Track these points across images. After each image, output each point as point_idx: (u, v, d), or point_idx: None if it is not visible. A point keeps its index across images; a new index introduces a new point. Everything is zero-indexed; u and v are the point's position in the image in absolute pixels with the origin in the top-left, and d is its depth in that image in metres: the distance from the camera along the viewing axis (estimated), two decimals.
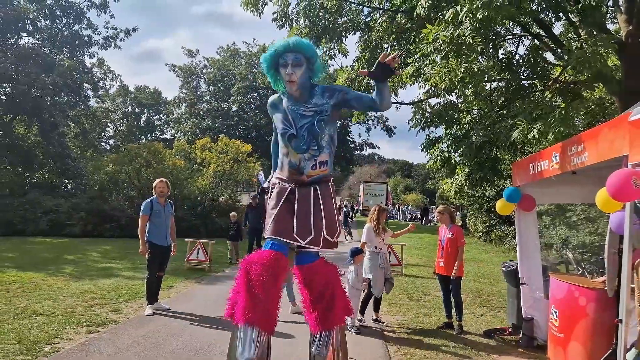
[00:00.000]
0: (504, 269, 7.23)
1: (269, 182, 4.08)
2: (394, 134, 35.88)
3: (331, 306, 3.69)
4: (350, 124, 35.86)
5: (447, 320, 6.85)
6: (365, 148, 43.15)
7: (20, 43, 24.84)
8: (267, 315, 3.48)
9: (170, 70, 39.25)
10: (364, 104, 3.85)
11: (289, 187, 3.82)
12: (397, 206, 47.49)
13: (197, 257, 11.93)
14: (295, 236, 3.67)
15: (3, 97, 23.33)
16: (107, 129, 46.47)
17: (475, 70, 5.38)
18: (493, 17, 5.21)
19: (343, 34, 8.54)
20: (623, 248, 3.83)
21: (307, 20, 8.34)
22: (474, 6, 5.32)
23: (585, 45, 5.99)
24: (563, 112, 6.13)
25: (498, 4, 5.14)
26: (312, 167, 3.77)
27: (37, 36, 25.61)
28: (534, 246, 6.53)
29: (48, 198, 20.51)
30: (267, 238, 3.73)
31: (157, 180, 7.42)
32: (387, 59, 3.37)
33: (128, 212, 19.81)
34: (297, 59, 3.69)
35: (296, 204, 3.76)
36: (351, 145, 40.53)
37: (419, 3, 6.30)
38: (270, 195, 3.89)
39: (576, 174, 5.53)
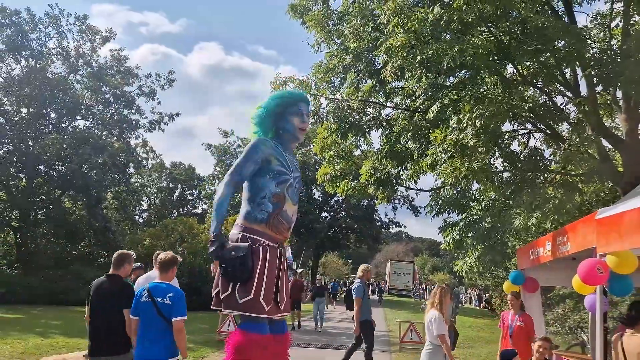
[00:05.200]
0: None
1: (241, 233, 3.43)
2: (420, 213, 36.31)
3: None
4: (375, 201, 36.65)
5: None
6: (391, 226, 43.53)
7: (74, 125, 27.32)
8: None
9: (205, 149, 41.39)
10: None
11: (279, 250, 3.39)
12: (424, 285, 46.96)
13: (228, 330, 12.57)
14: (282, 310, 3.50)
15: (55, 175, 25.37)
16: (141, 202, 48.48)
17: (476, 168, 6.37)
18: (487, 124, 6.25)
19: (367, 130, 9.72)
20: (596, 325, 4.53)
21: (336, 119, 9.58)
22: (473, 115, 6.39)
23: (571, 146, 6.94)
24: (557, 202, 6.98)
25: (490, 114, 6.18)
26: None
27: (90, 119, 28.15)
28: (538, 324, 7.11)
29: (89, 270, 21.71)
30: (259, 317, 3.37)
31: None
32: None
33: None
34: (309, 112, 3.63)
35: (280, 270, 3.40)
36: (378, 224, 41.05)
37: (430, 109, 7.43)
38: (257, 256, 3.27)
39: (575, 259, 6.26)
